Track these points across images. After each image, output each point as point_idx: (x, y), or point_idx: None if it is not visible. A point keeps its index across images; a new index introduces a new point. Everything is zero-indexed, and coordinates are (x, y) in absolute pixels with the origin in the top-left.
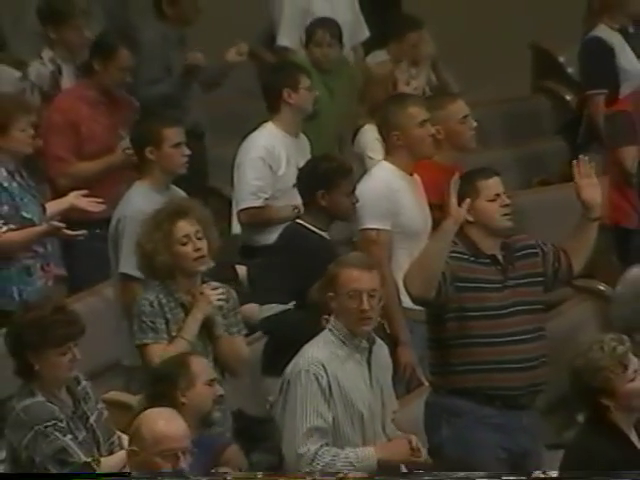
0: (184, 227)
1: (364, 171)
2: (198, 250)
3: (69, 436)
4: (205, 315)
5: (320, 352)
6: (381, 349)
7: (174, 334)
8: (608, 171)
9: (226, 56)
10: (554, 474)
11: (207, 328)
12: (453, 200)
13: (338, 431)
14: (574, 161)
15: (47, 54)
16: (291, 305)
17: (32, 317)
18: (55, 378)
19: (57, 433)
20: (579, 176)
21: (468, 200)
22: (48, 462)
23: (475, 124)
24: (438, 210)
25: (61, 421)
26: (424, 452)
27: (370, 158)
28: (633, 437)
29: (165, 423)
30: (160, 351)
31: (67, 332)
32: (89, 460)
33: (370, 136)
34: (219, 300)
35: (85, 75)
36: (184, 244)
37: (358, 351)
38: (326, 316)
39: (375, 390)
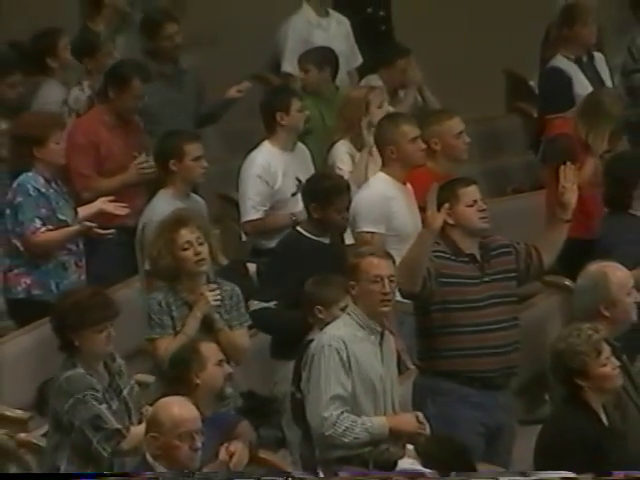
0: (185, 234)
1: None
2: (198, 254)
3: (104, 405)
4: (204, 313)
5: (341, 331)
6: (389, 337)
7: (179, 329)
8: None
9: (227, 93)
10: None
11: (208, 323)
12: (430, 209)
13: (355, 401)
14: (562, 166)
15: (85, 82)
16: (272, 304)
17: (73, 300)
18: (93, 353)
19: (93, 401)
20: (564, 179)
21: (446, 205)
22: (85, 426)
23: (468, 139)
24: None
25: (98, 391)
26: (427, 427)
27: (339, 169)
28: (602, 414)
29: (179, 408)
30: (166, 344)
31: (103, 313)
32: (120, 427)
33: (342, 150)
34: (216, 300)
35: (100, 101)
36: (186, 249)
37: (373, 334)
38: (319, 307)
39: (386, 369)
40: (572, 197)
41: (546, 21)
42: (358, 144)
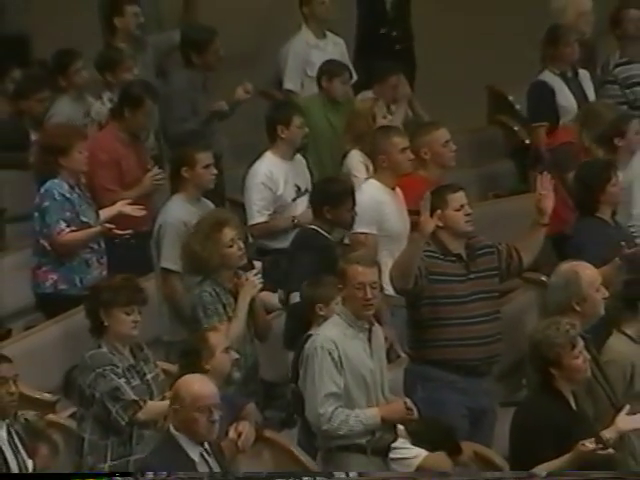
0: (228, 233)
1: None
2: (241, 249)
3: (123, 379)
4: (252, 296)
5: (332, 332)
6: (378, 330)
7: (230, 315)
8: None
9: (236, 94)
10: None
11: (252, 309)
12: (424, 214)
13: (348, 395)
14: (538, 175)
15: (107, 95)
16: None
17: (108, 282)
18: (119, 334)
19: (113, 375)
20: (541, 187)
21: (439, 211)
22: (105, 397)
23: (455, 147)
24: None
25: (118, 367)
26: (415, 412)
27: (355, 176)
28: (571, 401)
29: (199, 385)
30: (224, 330)
31: (132, 296)
32: (137, 399)
33: (355, 159)
34: (260, 283)
35: (114, 119)
36: (231, 246)
37: (361, 331)
38: (319, 304)
39: (375, 362)
40: (549, 204)
41: (525, 42)
42: (368, 152)
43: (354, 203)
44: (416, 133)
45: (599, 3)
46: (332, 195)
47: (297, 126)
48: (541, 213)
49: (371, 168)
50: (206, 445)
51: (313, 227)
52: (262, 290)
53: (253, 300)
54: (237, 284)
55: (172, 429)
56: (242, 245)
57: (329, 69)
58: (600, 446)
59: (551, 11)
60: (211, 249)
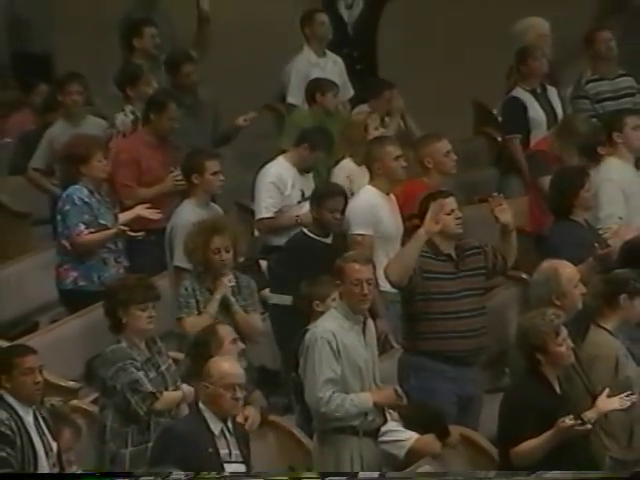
0: (217, 242)
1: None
2: (223, 261)
3: (141, 372)
4: (222, 295)
5: (330, 324)
6: (371, 324)
7: (202, 310)
8: (529, 193)
9: (236, 121)
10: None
11: (226, 306)
12: (429, 217)
13: (344, 381)
14: (490, 198)
15: (128, 108)
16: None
17: (123, 282)
18: (137, 329)
19: (132, 369)
20: (494, 207)
21: (434, 215)
22: (125, 389)
23: (455, 157)
24: (417, 218)
25: (137, 361)
26: (404, 398)
27: (350, 181)
28: (556, 385)
29: (228, 365)
30: (191, 322)
31: (146, 293)
32: (154, 390)
33: (342, 175)
34: (231, 285)
35: (143, 124)
36: (215, 253)
37: (357, 324)
38: (316, 301)
39: (368, 351)
40: (506, 215)
41: (505, 61)
42: (358, 160)
43: (342, 208)
44: (420, 143)
45: (567, 26)
46: (315, 195)
47: (305, 148)
48: (504, 225)
49: (358, 184)
50: (228, 423)
51: (304, 230)
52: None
53: (229, 301)
54: (215, 285)
55: (200, 403)
56: (227, 257)
57: (320, 84)
58: (579, 422)
59: (513, 34)
60: (196, 246)
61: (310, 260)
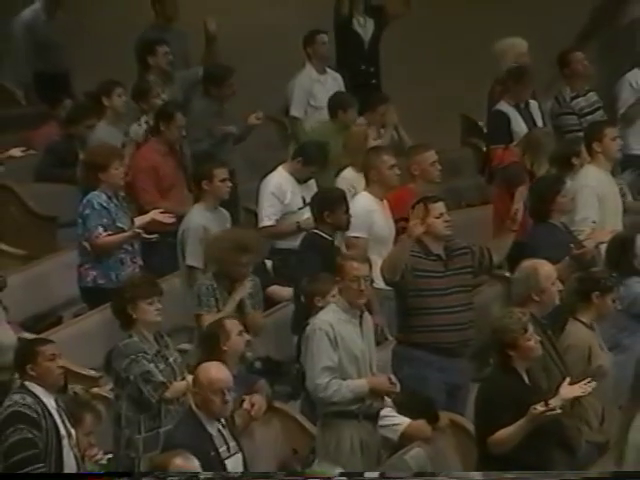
0: (244, 259)
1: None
2: (246, 268)
3: (152, 364)
4: (241, 297)
5: (329, 316)
6: (368, 317)
7: (221, 309)
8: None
9: (248, 120)
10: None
11: (241, 306)
12: (413, 221)
13: (342, 369)
14: (517, 192)
15: (143, 119)
16: None
17: (129, 282)
18: (146, 322)
19: (144, 361)
20: (517, 202)
21: (420, 220)
22: (138, 380)
23: (440, 167)
24: (406, 221)
25: (148, 354)
26: (398, 385)
27: (353, 188)
28: (525, 377)
29: (215, 371)
30: (209, 319)
31: (150, 289)
32: (165, 380)
33: (346, 182)
34: (250, 290)
35: (153, 134)
36: (242, 266)
37: (354, 317)
38: (317, 297)
39: (365, 343)
40: (520, 215)
41: (490, 78)
42: (358, 168)
43: (348, 208)
44: (409, 153)
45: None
46: (330, 202)
47: (302, 164)
48: (514, 221)
49: (358, 190)
50: (222, 420)
51: (316, 231)
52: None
53: (243, 302)
54: (234, 287)
55: (194, 407)
56: (247, 271)
57: (343, 101)
58: (549, 407)
59: (495, 52)
60: (226, 261)
61: (323, 258)
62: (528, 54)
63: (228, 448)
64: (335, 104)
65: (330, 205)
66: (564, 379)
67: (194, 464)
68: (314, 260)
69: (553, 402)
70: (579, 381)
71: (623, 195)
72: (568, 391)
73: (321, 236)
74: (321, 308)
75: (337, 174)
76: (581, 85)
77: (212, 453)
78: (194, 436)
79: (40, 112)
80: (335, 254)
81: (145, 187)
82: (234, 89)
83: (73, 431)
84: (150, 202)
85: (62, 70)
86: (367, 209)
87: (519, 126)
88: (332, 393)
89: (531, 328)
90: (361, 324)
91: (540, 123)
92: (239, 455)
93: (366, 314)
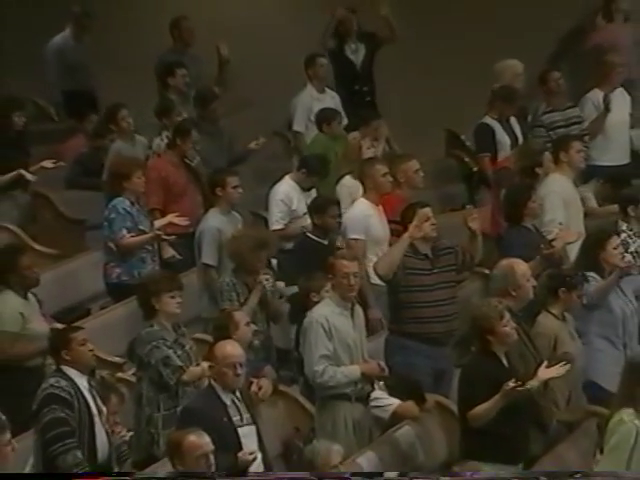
0: (262, 255)
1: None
2: (263, 264)
3: (171, 350)
4: (261, 293)
5: (323, 310)
6: (359, 309)
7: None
8: (493, 202)
9: (249, 145)
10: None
11: (264, 300)
12: (414, 223)
13: (336, 357)
14: (463, 210)
15: (164, 133)
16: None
17: (152, 277)
18: (167, 313)
19: (164, 347)
20: (467, 217)
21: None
22: (158, 364)
23: (422, 174)
24: (395, 223)
25: (167, 340)
26: (387, 370)
27: (351, 195)
28: (504, 360)
29: (230, 347)
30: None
31: (172, 283)
32: (182, 365)
33: (345, 190)
34: (270, 286)
35: (169, 148)
36: (260, 262)
37: (346, 309)
38: (313, 293)
39: (356, 332)
40: (476, 224)
41: (474, 95)
42: (355, 176)
43: (338, 213)
44: (394, 162)
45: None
46: (318, 207)
47: (303, 173)
48: (472, 231)
49: (357, 195)
50: (237, 393)
51: (308, 234)
52: (277, 280)
53: (265, 294)
54: (254, 280)
55: (211, 380)
56: (265, 266)
57: (327, 115)
58: (519, 383)
59: (493, 72)
60: (249, 258)
61: (313, 258)
62: (523, 74)
63: (241, 418)
64: (320, 119)
65: (318, 210)
66: (540, 364)
67: (206, 440)
68: (304, 259)
69: (531, 383)
70: (555, 364)
71: (587, 202)
72: (545, 373)
73: (311, 238)
74: (316, 303)
75: (337, 181)
76: (559, 101)
77: (225, 419)
78: (208, 403)
79: (69, 127)
80: (325, 254)
81: (150, 193)
82: (217, 112)
83: (104, 408)
84: (155, 204)
85: (89, 88)
86: (364, 214)
87: (502, 137)
88: (328, 378)
89: (507, 315)
90: (352, 316)
91: (520, 136)
92: (253, 427)
93: (357, 306)
